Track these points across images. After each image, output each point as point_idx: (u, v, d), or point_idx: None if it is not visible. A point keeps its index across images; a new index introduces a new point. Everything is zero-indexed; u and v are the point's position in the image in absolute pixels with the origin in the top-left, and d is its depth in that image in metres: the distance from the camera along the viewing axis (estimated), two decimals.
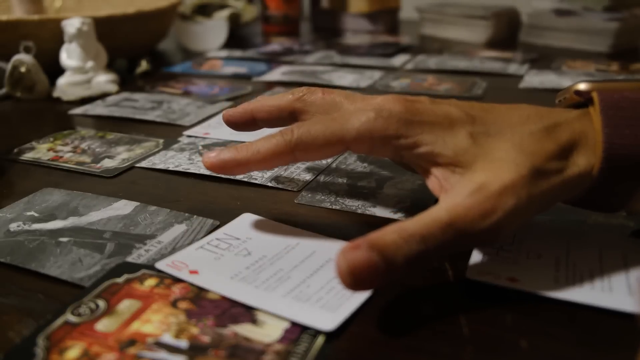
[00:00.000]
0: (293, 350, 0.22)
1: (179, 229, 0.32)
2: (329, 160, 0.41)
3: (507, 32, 0.90)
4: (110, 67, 0.66)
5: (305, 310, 0.25)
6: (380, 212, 0.34)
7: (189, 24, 0.86)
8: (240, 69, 0.72)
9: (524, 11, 0.90)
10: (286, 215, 0.34)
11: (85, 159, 0.43)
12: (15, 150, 0.45)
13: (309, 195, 0.36)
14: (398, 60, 0.76)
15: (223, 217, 0.33)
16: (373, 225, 0.26)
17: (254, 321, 0.24)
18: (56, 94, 0.60)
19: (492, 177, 0.25)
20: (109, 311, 0.25)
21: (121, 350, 0.22)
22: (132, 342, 0.23)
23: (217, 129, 0.49)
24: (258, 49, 0.85)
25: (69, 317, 0.24)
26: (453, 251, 0.25)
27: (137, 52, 0.74)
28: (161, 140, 0.46)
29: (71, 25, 0.60)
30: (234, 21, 0.95)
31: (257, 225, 0.32)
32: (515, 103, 0.29)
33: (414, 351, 0.23)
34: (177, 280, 0.27)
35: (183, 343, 0.23)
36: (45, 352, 0.22)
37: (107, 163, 0.42)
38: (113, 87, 0.61)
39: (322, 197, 0.36)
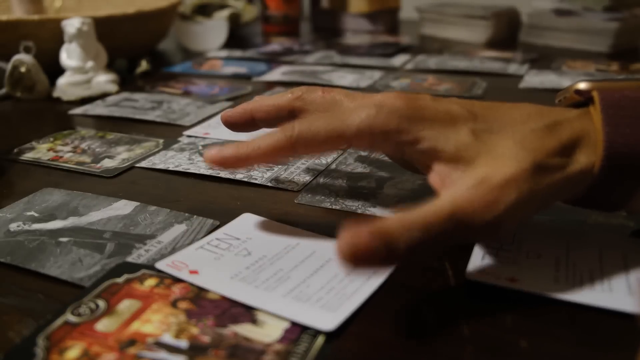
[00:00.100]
0: (293, 350, 0.22)
1: (179, 229, 0.32)
2: (329, 160, 0.41)
3: (507, 32, 0.90)
4: (110, 67, 0.66)
5: (305, 310, 0.25)
6: (380, 212, 0.34)
7: (189, 24, 0.86)
8: (240, 69, 0.72)
9: (524, 11, 0.90)
10: (286, 216, 0.34)
11: (85, 159, 0.43)
12: (15, 150, 0.45)
13: (309, 195, 0.36)
14: (398, 60, 0.76)
15: (223, 217, 0.33)
16: None
17: (254, 321, 0.24)
18: (56, 94, 0.60)
19: (494, 171, 0.25)
20: (109, 311, 0.25)
21: (121, 350, 0.22)
22: (132, 342, 0.23)
23: (217, 129, 0.49)
24: (258, 49, 0.85)
25: (69, 317, 0.24)
26: (453, 243, 0.25)
27: (137, 52, 0.74)
28: (161, 140, 0.46)
29: (71, 25, 0.60)
30: (234, 21, 0.95)
31: (257, 225, 0.32)
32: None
33: (414, 351, 0.23)
34: (177, 280, 0.27)
35: (183, 343, 0.23)
36: (45, 352, 0.22)
37: (107, 163, 0.42)
38: (113, 87, 0.61)
39: (322, 198, 0.36)
